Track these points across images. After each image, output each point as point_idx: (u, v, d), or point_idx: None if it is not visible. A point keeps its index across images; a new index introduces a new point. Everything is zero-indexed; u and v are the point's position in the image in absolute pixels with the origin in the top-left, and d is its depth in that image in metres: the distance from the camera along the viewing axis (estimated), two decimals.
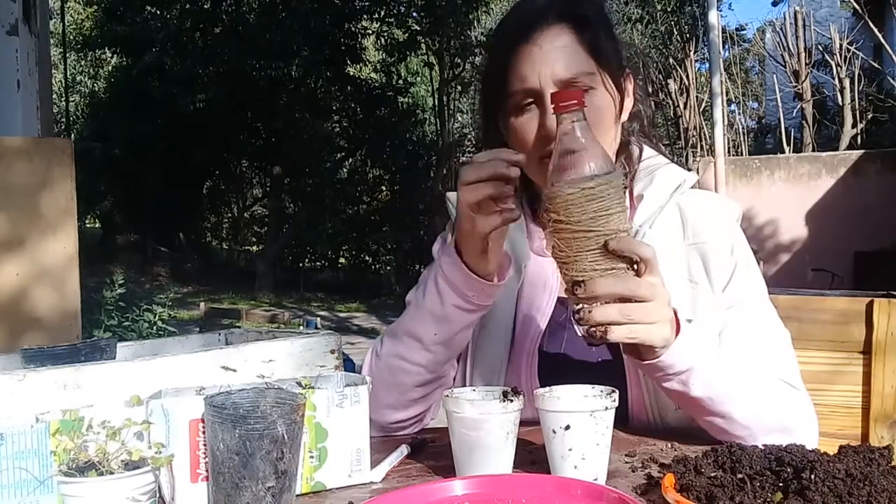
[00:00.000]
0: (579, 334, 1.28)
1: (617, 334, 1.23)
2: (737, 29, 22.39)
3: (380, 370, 1.57)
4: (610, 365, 1.57)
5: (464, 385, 1.66)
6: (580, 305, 1.22)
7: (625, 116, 1.67)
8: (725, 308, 1.56)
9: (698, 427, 1.49)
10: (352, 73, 23.56)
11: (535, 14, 1.57)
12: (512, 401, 1.20)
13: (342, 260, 27.24)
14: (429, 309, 1.53)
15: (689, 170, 1.73)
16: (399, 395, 1.57)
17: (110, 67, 26.44)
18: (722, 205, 1.69)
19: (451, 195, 1.83)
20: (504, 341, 1.64)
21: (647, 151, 1.73)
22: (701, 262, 1.59)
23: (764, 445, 1.12)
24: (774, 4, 24.50)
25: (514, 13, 1.67)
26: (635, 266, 1.24)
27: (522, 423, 1.24)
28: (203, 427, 1.07)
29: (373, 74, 25.40)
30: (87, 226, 25.65)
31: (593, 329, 1.22)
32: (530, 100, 1.55)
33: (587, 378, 1.29)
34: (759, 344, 1.54)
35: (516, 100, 1.56)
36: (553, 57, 1.52)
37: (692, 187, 1.69)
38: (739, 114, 17.11)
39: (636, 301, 1.23)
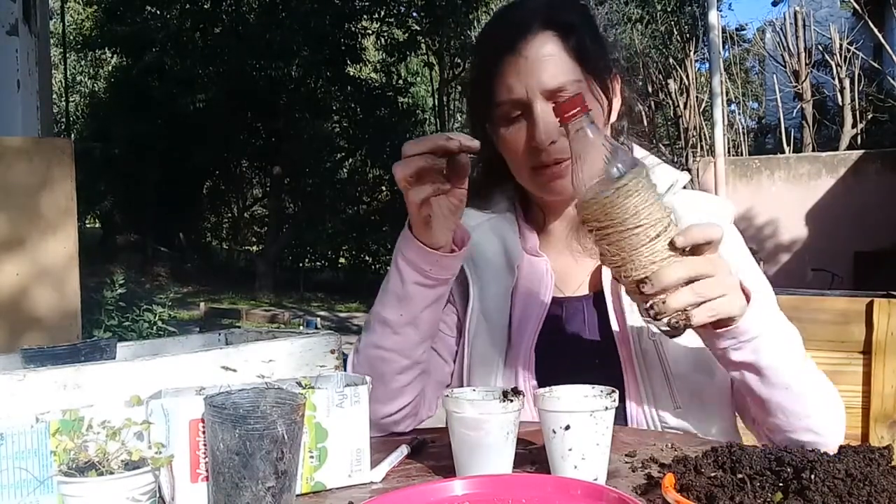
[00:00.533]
0: (655, 331, 1.26)
1: (698, 316, 1.22)
2: (737, 29, 22.40)
3: (360, 364, 1.57)
4: (607, 365, 1.57)
5: (461, 385, 1.66)
6: (651, 301, 1.21)
7: (613, 117, 1.68)
8: None
9: (696, 428, 1.50)
10: (352, 73, 23.56)
11: (520, 23, 1.57)
12: (512, 401, 1.20)
13: (342, 260, 27.23)
14: (392, 290, 1.53)
15: (688, 170, 1.73)
16: (382, 386, 1.55)
17: (110, 67, 26.45)
18: (715, 206, 1.69)
19: None
20: (500, 342, 1.64)
21: (639, 151, 1.73)
22: None
23: (763, 445, 1.12)
24: (774, 4, 24.51)
25: (499, 22, 1.68)
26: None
27: (521, 423, 1.24)
28: (203, 427, 1.07)
29: (373, 74, 25.40)
30: (87, 226, 25.67)
31: (674, 320, 1.21)
32: (518, 111, 1.56)
33: (585, 378, 1.29)
34: None
35: (504, 110, 1.57)
36: (539, 67, 1.53)
37: (684, 187, 1.69)
38: (739, 114, 17.12)
39: (703, 279, 1.22)
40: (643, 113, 1.82)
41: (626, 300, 1.56)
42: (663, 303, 1.19)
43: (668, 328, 1.22)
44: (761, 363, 1.35)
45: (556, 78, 1.52)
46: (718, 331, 1.31)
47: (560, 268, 1.69)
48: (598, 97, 1.59)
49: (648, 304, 1.21)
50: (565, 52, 1.54)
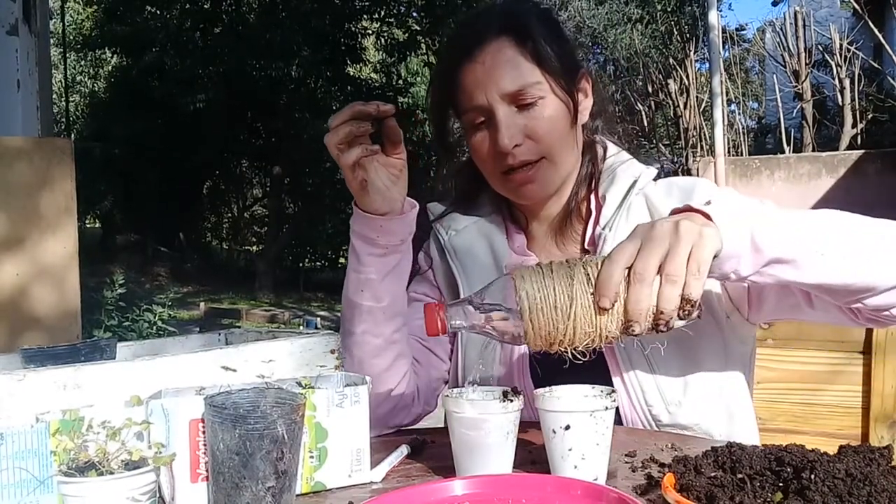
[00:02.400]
0: (683, 329, 1.21)
1: (694, 288, 1.13)
2: (737, 29, 22.38)
3: (343, 359, 1.57)
4: (597, 365, 1.55)
5: (456, 386, 1.66)
6: (654, 325, 1.15)
7: (584, 117, 1.67)
8: None
9: (690, 422, 1.50)
10: (352, 73, 23.55)
11: (478, 31, 1.59)
12: (512, 401, 1.20)
13: (342, 260, 27.17)
14: (351, 269, 1.56)
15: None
16: (362, 372, 1.56)
17: (110, 67, 26.43)
18: (686, 182, 1.64)
19: (431, 205, 1.86)
20: (494, 343, 1.63)
21: (612, 148, 1.73)
22: None
23: (764, 445, 1.12)
24: (774, 4, 24.49)
25: (458, 33, 1.72)
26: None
27: (520, 423, 1.24)
28: (203, 427, 1.07)
29: (373, 74, 25.39)
30: (87, 226, 25.64)
31: (683, 312, 1.14)
32: (482, 118, 1.58)
33: (581, 379, 1.29)
34: None
35: (469, 118, 1.60)
36: (496, 72, 1.55)
37: (655, 179, 1.68)
38: (739, 114, 17.09)
39: (664, 263, 1.14)
40: (618, 111, 1.81)
41: None
42: (661, 313, 1.14)
43: (687, 319, 1.17)
44: (772, 255, 1.24)
45: (515, 81, 1.54)
46: (724, 271, 1.23)
47: None
48: (562, 97, 1.59)
49: (654, 328, 1.16)
50: (521, 56, 1.56)
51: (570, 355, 1.19)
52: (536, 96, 1.55)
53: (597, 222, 1.65)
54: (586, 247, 1.66)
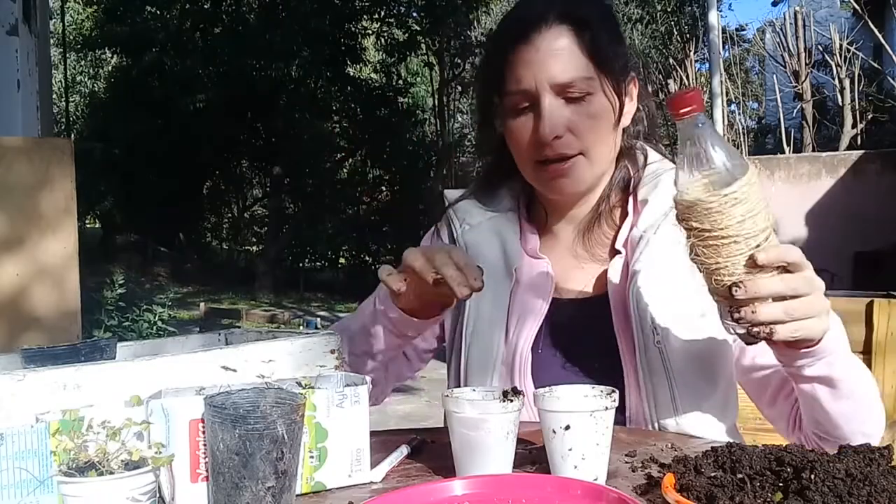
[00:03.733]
0: (732, 333, 1.25)
1: (781, 334, 1.20)
2: (737, 29, 22.39)
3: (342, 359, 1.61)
4: (607, 369, 1.55)
5: (458, 386, 1.66)
6: (739, 307, 1.20)
7: (626, 121, 1.65)
8: None
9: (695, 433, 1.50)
10: (352, 74, 23.55)
11: (535, 14, 1.55)
12: (512, 401, 1.20)
13: (342, 260, 27.22)
14: (361, 314, 1.67)
15: None
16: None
17: (110, 67, 26.44)
18: None
19: (449, 192, 1.84)
20: (496, 343, 1.63)
21: (653, 155, 1.71)
22: None
23: (764, 445, 1.12)
24: (774, 4, 24.49)
25: (515, 12, 1.64)
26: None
27: (520, 423, 1.24)
28: (203, 427, 1.07)
29: (373, 75, 25.39)
30: (87, 226, 25.65)
31: (756, 329, 1.20)
32: (526, 103, 1.54)
33: (583, 382, 1.29)
34: None
35: (512, 101, 1.56)
36: (550, 60, 1.51)
37: None
38: (739, 114, 17.08)
39: (797, 298, 1.21)
40: (656, 118, 1.81)
41: (633, 304, 1.53)
42: (752, 312, 1.18)
43: (746, 336, 1.22)
44: (834, 375, 1.34)
45: (567, 72, 1.51)
46: (797, 350, 1.31)
47: (562, 270, 1.68)
48: (611, 97, 1.56)
49: (734, 308, 1.20)
50: (578, 48, 1.52)
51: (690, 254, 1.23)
52: (585, 91, 1.52)
53: (634, 224, 1.63)
54: (618, 248, 1.63)
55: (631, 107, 1.65)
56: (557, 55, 1.51)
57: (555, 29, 1.53)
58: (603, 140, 1.58)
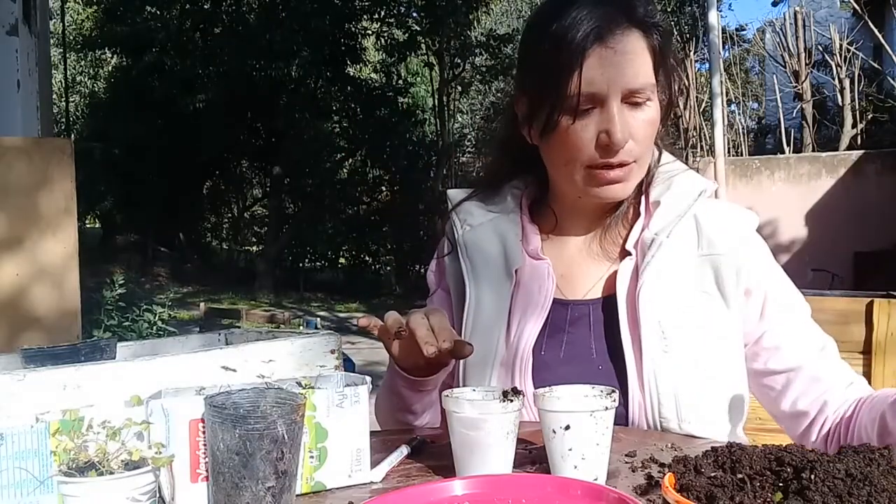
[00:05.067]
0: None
1: None
2: (737, 29, 22.43)
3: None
4: (611, 372, 1.54)
5: (457, 386, 1.66)
6: None
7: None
8: (776, 318, 1.57)
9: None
10: (352, 74, 23.59)
11: (608, 14, 1.49)
12: (512, 401, 1.19)
13: (342, 260, 27.25)
14: (390, 398, 1.67)
15: (687, 167, 1.71)
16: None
17: (110, 67, 26.48)
18: (738, 215, 1.64)
19: (452, 192, 1.83)
20: (496, 345, 1.61)
21: (665, 156, 1.69)
22: (713, 274, 1.55)
23: (764, 445, 1.11)
24: (774, 4, 24.51)
25: (576, 7, 1.52)
26: None
27: (520, 423, 1.24)
28: (203, 427, 1.07)
29: (373, 75, 25.43)
30: (87, 226, 25.69)
31: None
32: (591, 105, 1.49)
33: (587, 383, 1.28)
34: (829, 352, 1.57)
35: (574, 102, 1.49)
36: (627, 65, 1.47)
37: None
38: (739, 114, 17.10)
39: None
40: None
41: (643, 307, 1.51)
42: None
43: None
44: None
45: (639, 78, 1.48)
46: None
47: (569, 270, 1.66)
48: (663, 104, 1.55)
49: None
50: (649, 53, 1.50)
51: None
52: (647, 97, 1.49)
53: (646, 226, 1.61)
54: (629, 249, 1.61)
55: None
56: (633, 60, 1.48)
57: (628, 32, 1.48)
58: (651, 147, 1.57)
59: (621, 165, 1.51)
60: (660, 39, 1.52)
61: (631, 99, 1.48)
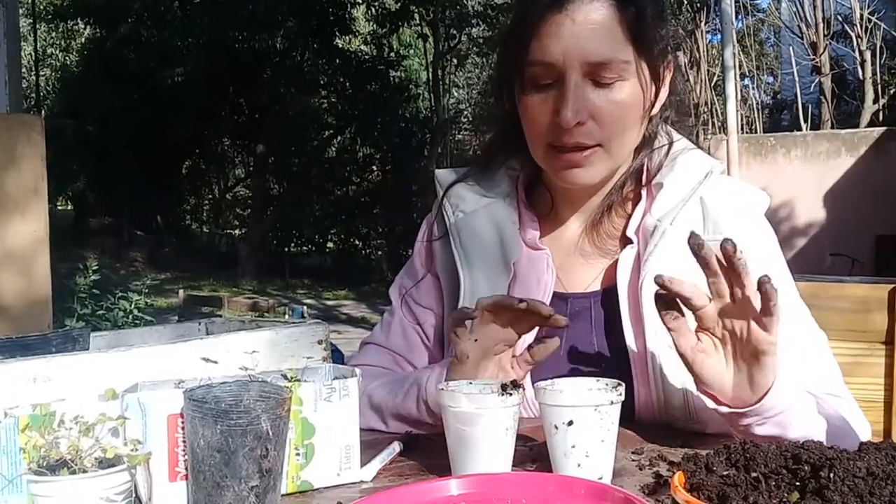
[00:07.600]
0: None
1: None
2: None
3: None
4: (614, 368, 1.53)
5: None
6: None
7: (655, 109, 1.59)
8: None
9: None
10: (340, 46, 23.53)
11: None
12: (511, 394, 1.19)
13: (330, 244, 27.26)
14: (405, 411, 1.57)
15: (698, 145, 1.67)
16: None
17: (83, 39, 26.40)
18: (747, 197, 1.62)
19: (441, 173, 1.80)
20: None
21: (674, 135, 1.66)
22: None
23: (778, 443, 1.12)
24: None
25: None
26: None
27: (520, 419, 1.23)
28: (182, 422, 1.07)
29: (363, 47, 25.37)
30: (59, 208, 25.66)
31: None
32: (550, 79, 1.47)
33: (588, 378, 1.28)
34: (801, 354, 1.53)
35: (534, 73, 1.48)
36: (585, 36, 1.43)
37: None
38: (753, 88, 17.12)
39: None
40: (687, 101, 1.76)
41: (646, 300, 1.49)
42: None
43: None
44: (788, 436, 1.33)
45: (602, 52, 1.43)
46: (742, 409, 1.32)
47: (567, 261, 1.65)
48: (644, 84, 1.50)
49: None
50: (619, 26, 1.45)
51: None
52: (617, 76, 1.45)
53: (647, 211, 1.58)
54: (629, 236, 1.59)
55: (663, 94, 1.59)
56: (595, 30, 1.44)
57: (592, 0, 1.45)
58: (626, 131, 1.52)
59: (579, 149, 1.49)
60: (636, 12, 1.47)
61: (596, 76, 1.45)
